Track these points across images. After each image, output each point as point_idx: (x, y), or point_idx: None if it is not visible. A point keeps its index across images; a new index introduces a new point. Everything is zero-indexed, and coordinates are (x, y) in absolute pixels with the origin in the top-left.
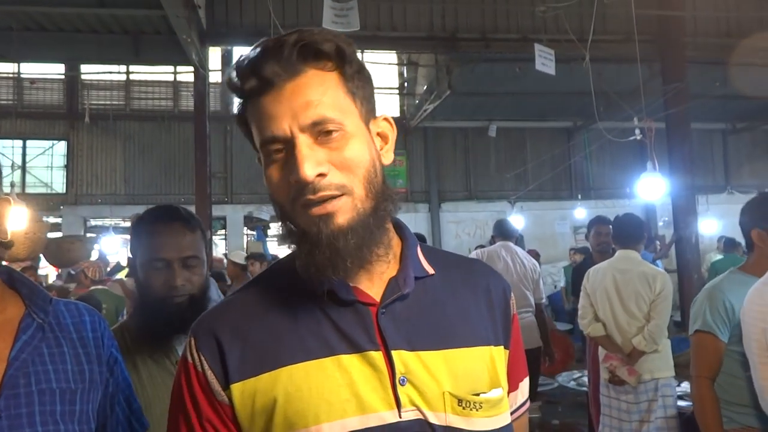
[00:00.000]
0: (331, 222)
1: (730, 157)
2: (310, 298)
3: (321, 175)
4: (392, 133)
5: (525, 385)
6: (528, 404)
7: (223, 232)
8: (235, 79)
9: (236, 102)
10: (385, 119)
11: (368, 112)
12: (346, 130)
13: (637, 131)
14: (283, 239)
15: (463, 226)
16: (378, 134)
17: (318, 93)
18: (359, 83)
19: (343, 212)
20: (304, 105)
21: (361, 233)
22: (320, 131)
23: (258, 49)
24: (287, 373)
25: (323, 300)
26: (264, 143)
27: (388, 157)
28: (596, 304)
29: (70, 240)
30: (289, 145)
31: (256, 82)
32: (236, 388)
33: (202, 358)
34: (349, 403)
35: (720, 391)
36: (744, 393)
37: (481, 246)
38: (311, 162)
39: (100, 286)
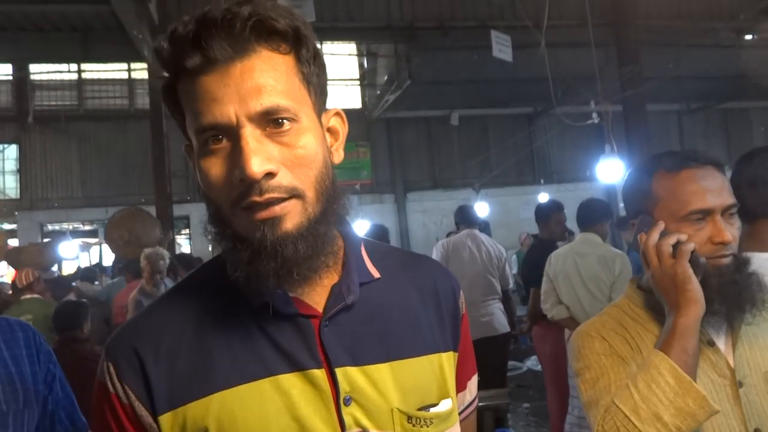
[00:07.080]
0: (277, 227)
1: (685, 137)
2: (244, 312)
3: (270, 174)
4: (343, 129)
5: (473, 383)
6: (476, 402)
7: (187, 231)
8: (170, 50)
9: (165, 73)
10: (337, 113)
11: (321, 104)
12: (300, 123)
13: (594, 115)
14: (217, 243)
15: (430, 216)
16: (328, 129)
17: (271, 77)
18: (315, 70)
19: (292, 216)
20: (255, 90)
21: (311, 241)
22: (271, 121)
23: (203, 19)
24: (219, 400)
25: (259, 313)
26: (201, 130)
27: (338, 156)
28: (559, 289)
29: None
30: (232, 135)
31: (200, 59)
32: (165, 419)
33: (126, 388)
34: (290, 429)
35: None
36: None
37: (453, 232)
38: (260, 158)
39: (29, 295)
